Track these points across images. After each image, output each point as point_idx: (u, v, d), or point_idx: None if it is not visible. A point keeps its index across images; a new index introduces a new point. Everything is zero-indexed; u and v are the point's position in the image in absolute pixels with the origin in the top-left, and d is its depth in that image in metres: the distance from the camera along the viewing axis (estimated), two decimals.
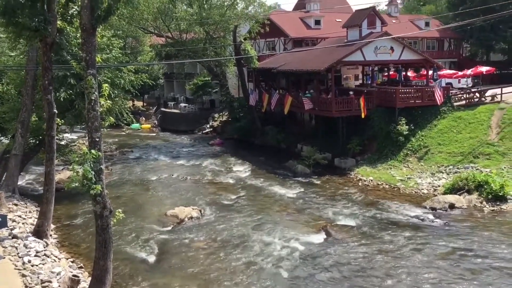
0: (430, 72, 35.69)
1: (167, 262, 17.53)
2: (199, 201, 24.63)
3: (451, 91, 33.23)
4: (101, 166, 12.62)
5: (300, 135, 36.66)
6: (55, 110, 18.26)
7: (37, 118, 23.90)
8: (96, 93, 12.68)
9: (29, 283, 13.96)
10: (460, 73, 40.54)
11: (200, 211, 22.86)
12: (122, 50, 27.96)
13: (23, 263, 15.31)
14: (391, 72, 39.42)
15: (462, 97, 32.64)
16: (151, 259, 17.82)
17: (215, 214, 22.71)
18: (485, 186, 23.09)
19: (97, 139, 12.74)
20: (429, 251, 17.77)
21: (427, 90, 31.94)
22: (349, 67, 38.14)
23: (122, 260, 17.32)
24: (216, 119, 49.05)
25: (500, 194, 22.58)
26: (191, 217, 22.01)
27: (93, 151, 12.40)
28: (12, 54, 27.01)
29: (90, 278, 14.10)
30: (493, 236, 18.94)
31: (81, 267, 16.56)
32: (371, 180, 27.54)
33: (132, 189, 27.47)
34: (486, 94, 32.46)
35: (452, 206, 22.51)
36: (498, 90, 32.37)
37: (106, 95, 13.20)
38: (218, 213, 22.73)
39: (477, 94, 32.50)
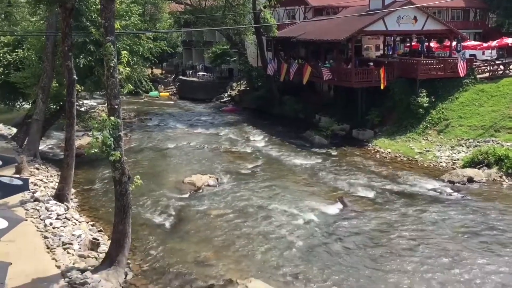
0: (454, 43, 34.81)
1: (183, 228, 17.86)
2: (216, 169, 24.84)
3: (474, 63, 32.43)
4: (120, 133, 12.74)
5: (318, 106, 36.36)
6: (75, 77, 18.39)
7: (57, 84, 24.13)
8: (115, 60, 12.68)
9: (51, 245, 14.37)
10: (484, 44, 39.44)
11: (217, 179, 23.07)
12: (141, 17, 27.80)
13: (45, 225, 15.72)
14: (413, 43, 38.55)
15: (486, 69, 31.85)
16: (168, 224, 18.18)
17: (231, 182, 22.91)
18: (505, 161, 22.78)
19: (116, 106, 12.81)
20: (446, 224, 17.73)
21: (449, 62, 31.24)
22: (370, 37, 37.36)
23: (140, 225, 17.70)
24: (234, 88, 48.84)
25: None
26: (208, 185, 22.25)
27: (112, 118, 12.50)
28: (33, 19, 27.11)
29: (109, 242, 14.45)
30: (511, 210, 18.79)
31: (100, 231, 16.98)
32: (389, 152, 27.35)
33: (150, 156, 27.80)
34: (511, 67, 31.61)
35: (470, 180, 22.29)
36: None
37: (125, 62, 13.19)
38: (235, 182, 22.92)
39: (501, 67, 31.66)
